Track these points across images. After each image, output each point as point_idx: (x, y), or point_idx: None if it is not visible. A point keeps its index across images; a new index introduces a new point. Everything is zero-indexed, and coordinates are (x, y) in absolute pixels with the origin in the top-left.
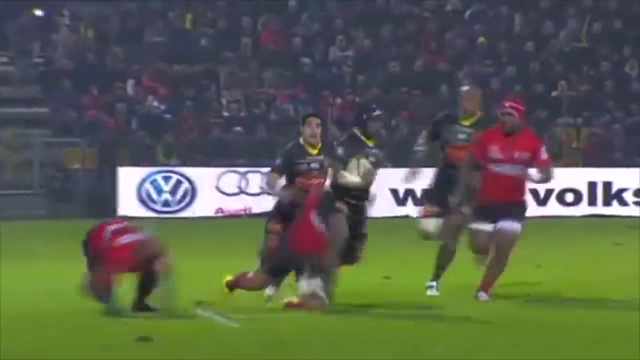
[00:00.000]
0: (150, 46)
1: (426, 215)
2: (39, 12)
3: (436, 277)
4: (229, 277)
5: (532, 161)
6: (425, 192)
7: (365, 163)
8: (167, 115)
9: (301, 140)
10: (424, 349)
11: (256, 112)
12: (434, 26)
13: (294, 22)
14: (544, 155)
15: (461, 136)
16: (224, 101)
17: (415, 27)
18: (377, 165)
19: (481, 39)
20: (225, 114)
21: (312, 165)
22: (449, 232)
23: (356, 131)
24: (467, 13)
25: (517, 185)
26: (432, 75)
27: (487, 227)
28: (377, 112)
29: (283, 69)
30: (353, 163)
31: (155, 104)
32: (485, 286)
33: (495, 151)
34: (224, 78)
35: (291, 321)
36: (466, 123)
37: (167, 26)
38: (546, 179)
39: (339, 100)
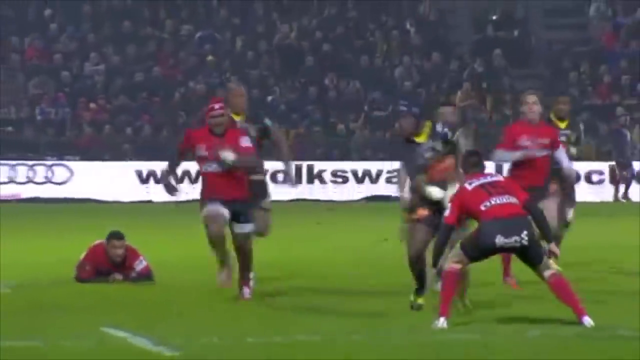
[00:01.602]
0: None
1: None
2: None
3: None
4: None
5: None
6: None
7: None
8: None
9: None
10: None
11: (22, 115)
12: (171, 46)
13: (55, 41)
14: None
15: None
16: None
17: (155, 46)
18: None
19: (209, 57)
20: None
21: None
22: None
23: None
24: (197, 35)
25: None
26: (169, 85)
27: None
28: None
29: (47, 79)
30: None
31: None
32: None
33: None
34: None
35: None
36: None
37: None
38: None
39: (92, 105)
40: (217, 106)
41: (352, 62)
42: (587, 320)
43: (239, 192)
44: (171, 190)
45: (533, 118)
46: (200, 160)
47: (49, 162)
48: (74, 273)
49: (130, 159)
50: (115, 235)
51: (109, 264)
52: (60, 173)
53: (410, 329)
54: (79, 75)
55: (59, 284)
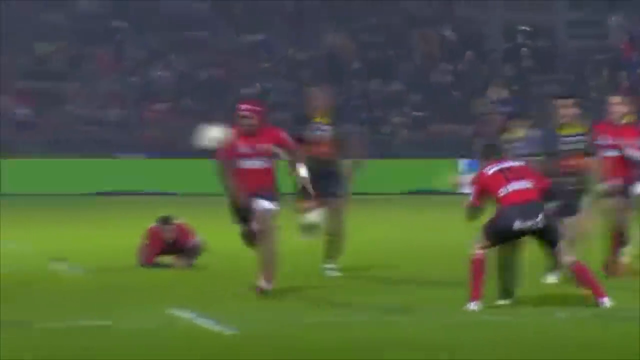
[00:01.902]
0: None
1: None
2: None
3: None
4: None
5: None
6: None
7: None
8: None
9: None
10: None
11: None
12: (230, 51)
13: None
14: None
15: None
16: None
17: (216, 52)
18: None
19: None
20: None
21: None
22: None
23: None
24: (253, 39)
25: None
26: (229, 88)
27: None
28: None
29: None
30: None
31: None
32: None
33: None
34: None
35: None
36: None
37: None
38: None
39: (158, 106)
40: (243, 107)
41: (394, 65)
42: (605, 301)
43: (267, 184)
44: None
45: (617, 118)
46: (238, 156)
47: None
48: (138, 257)
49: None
50: (164, 219)
51: (164, 245)
52: (131, 167)
53: (444, 312)
54: (148, 80)
55: (128, 268)
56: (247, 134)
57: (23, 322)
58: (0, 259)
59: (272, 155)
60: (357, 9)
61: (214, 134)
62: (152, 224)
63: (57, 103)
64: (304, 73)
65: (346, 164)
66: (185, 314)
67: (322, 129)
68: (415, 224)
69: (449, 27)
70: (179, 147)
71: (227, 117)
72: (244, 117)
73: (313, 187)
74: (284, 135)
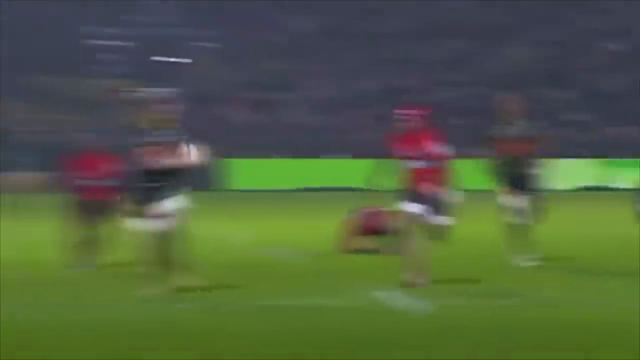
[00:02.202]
0: None
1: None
2: None
3: None
4: None
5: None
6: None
7: None
8: None
9: None
10: None
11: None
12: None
13: None
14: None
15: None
16: None
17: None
18: None
19: None
20: None
21: None
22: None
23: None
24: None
25: None
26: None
27: None
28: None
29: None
30: None
31: None
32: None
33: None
34: None
35: None
36: None
37: None
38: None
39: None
40: (404, 111)
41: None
42: None
43: (431, 184)
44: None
45: None
46: (401, 158)
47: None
48: (341, 244)
49: None
50: (362, 209)
51: (365, 231)
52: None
53: None
54: (355, 89)
55: (335, 254)
56: (408, 136)
57: (246, 301)
58: (228, 248)
59: (434, 157)
60: (536, 24)
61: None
62: (353, 213)
63: (276, 111)
64: (489, 80)
65: (538, 162)
66: (385, 295)
67: (513, 130)
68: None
69: (619, 39)
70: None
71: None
72: (405, 120)
73: (509, 184)
74: (438, 139)
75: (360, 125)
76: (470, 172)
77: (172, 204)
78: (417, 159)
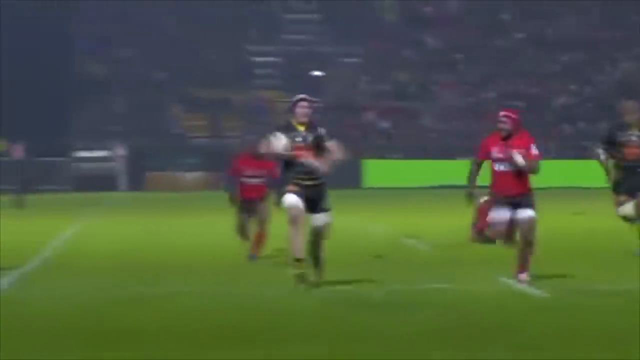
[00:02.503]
0: None
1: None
2: None
3: None
4: None
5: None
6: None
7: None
8: None
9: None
10: None
11: None
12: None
13: None
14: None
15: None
16: None
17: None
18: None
19: None
20: None
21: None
22: None
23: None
24: None
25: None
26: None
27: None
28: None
29: None
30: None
31: None
32: (521, 268)
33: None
34: None
35: None
36: None
37: None
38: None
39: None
40: (502, 113)
41: None
42: None
43: (522, 188)
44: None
45: None
46: (493, 160)
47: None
48: (472, 234)
49: None
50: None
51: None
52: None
53: None
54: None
55: (465, 244)
56: (503, 139)
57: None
58: (366, 239)
59: (530, 157)
60: None
61: None
62: (481, 204)
63: (411, 118)
64: (595, 91)
65: None
66: (507, 280)
67: (635, 135)
68: None
69: None
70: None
71: (545, 128)
72: (501, 122)
73: (625, 185)
74: (531, 143)
75: (484, 131)
76: (587, 172)
77: (327, 202)
78: (505, 161)
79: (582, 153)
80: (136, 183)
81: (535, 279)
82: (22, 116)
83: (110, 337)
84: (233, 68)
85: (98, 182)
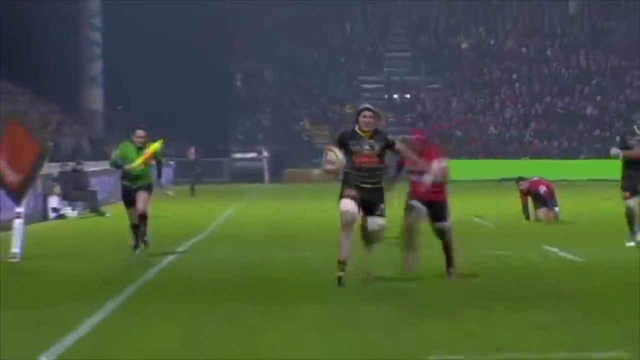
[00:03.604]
0: None
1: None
2: None
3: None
4: None
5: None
6: None
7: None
8: None
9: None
10: None
11: None
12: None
13: None
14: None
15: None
16: None
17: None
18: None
19: None
20: None
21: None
22: None
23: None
24: None
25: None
26: None
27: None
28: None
29: None
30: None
31: None
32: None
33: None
34: None
35: None
36: None
37: None
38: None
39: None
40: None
41: None
42: None
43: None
44: None
45: None
46: None
47: None
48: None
49: None
50: (520, 178)
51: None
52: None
53: None
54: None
55: (517, 220)
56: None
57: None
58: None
59: None
60: None
61: None
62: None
63: (478, 127)
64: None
65: None
66: (553, 249)
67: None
68: None
69: None
70: None
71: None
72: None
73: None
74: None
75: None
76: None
77: (383, 206)
78: None
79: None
80: (277, 177)
81: (573, 247)
82: (195, 126)
83: (255, 285)
84: (347, 91)
85: (249, 176)
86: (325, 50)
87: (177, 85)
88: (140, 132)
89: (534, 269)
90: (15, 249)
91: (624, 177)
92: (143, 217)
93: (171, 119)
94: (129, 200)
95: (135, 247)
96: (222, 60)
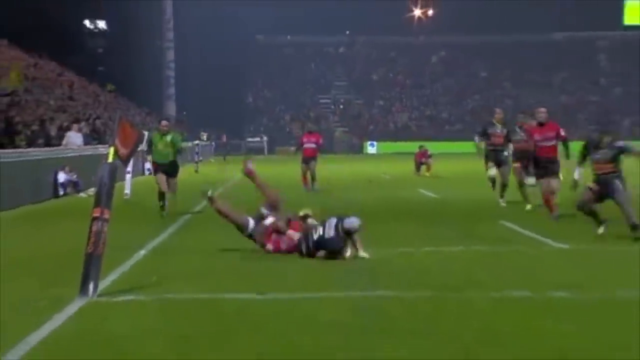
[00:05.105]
0: None
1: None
2: None
3: None
4: None
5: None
6: None
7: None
8: None
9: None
10: None
11: None
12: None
13: None
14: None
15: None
16: None
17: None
18: None
19: None
20: None
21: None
22: None
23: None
24: None
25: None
26: None
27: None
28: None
29: None
30: None
31: None
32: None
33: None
34: None
35: None
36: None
37: None
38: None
39: None
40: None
41: None
42: None
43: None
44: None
45: None
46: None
47: None
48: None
49: None
50: None
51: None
52: None
53: None
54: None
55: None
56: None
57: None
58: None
59: None
60: None
61: None
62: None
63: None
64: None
65: None
66: (422, 190)
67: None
68: None
69: None
70: None
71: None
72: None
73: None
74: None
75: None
76: None
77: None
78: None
79: None
80: (271, 152)
81: (435, 189)
82: (225, 123)
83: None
84: (311, 103)
85: (256, 151)
86: (299, 84)
87: (215, 94)
88: (164, 122)
89: (409, 202)
90: (127, 190)
91: (486, 155)
92: (173, 194)
93: (212, 117)
94: (158, 171)
95: (163, 207)
96: (239, 87)
